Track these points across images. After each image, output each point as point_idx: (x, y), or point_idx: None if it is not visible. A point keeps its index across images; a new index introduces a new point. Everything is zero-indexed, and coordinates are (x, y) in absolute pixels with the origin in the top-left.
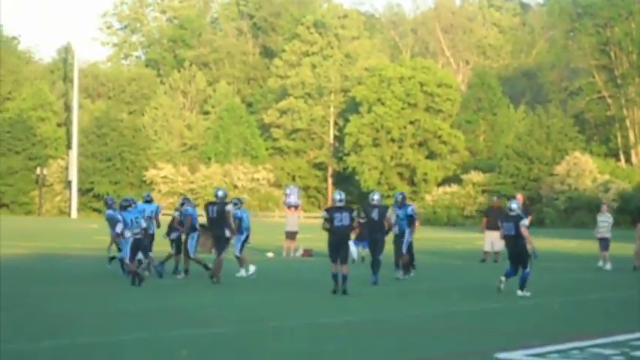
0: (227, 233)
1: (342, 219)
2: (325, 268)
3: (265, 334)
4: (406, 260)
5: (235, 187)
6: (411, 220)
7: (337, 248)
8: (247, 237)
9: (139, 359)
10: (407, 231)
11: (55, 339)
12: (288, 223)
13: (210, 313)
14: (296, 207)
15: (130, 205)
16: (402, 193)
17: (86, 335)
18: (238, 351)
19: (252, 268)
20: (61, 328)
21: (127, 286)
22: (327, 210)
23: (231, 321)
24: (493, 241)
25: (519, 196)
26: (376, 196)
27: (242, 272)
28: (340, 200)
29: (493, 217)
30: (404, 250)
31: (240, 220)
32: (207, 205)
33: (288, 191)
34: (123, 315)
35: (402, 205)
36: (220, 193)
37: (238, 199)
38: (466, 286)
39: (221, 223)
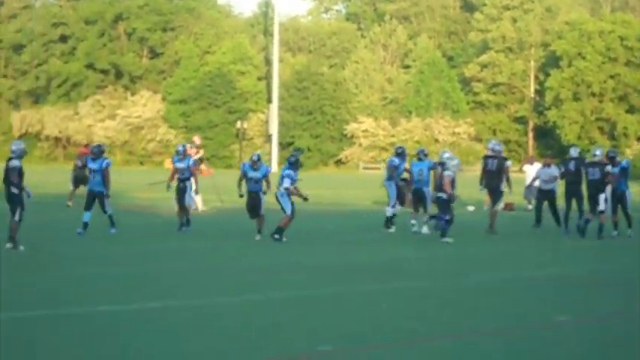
0: (502, 187)
1: (594, 173)
2: (525, 221)
3: (468, 288)
4: (617, 219)
5: (436, 141)
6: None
7: (590, 198)
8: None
9: (342, 310)
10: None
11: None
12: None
13: (413, 266)
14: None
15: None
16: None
17: (287, 289)
18: (439, 304)
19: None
20: (268, 282)
21: (330, 241)
22: (585, 165)
23: (435, 275)
24: None
25: None
26: (598, 152)
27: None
28: (594, 155)
29: None
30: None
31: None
32: (487, 158)
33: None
34: (324, 269)
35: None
36: (498, 147)
37: (421, 151)
38: None
39: (500, 176)
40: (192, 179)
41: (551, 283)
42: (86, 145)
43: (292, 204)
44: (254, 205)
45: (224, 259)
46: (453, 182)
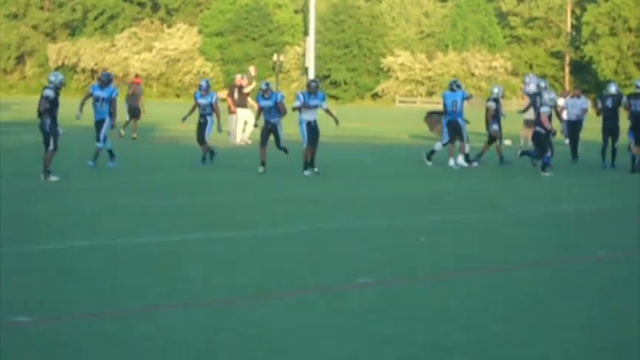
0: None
1: (637, 105)
2: (563, 155)
3: (506, 221)
4: None
5: (473, 75)
6: None
7: (633, 129)
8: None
9: (380, 243)
10: None
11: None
12: (527, 111)
13: (452, 200)
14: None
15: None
16: None
17: (327, 221)
18: (478, 237)
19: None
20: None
21: (368, 175)
22: (627, 97)
23: (473, 208)
24: None
25: None
26: None
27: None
28: (638, 87)
29: None
30: None
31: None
32: (535, 96)
33: (527, 79)
34: (362, 202)
35: None
36: (543, 84)
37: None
38: None
39: None
40: (215, 115)
41: (589, 217)
42: (137, 75)
43: (311, 134)
44: (268, 135)
45: (262, 191)
46: (550, 116)
